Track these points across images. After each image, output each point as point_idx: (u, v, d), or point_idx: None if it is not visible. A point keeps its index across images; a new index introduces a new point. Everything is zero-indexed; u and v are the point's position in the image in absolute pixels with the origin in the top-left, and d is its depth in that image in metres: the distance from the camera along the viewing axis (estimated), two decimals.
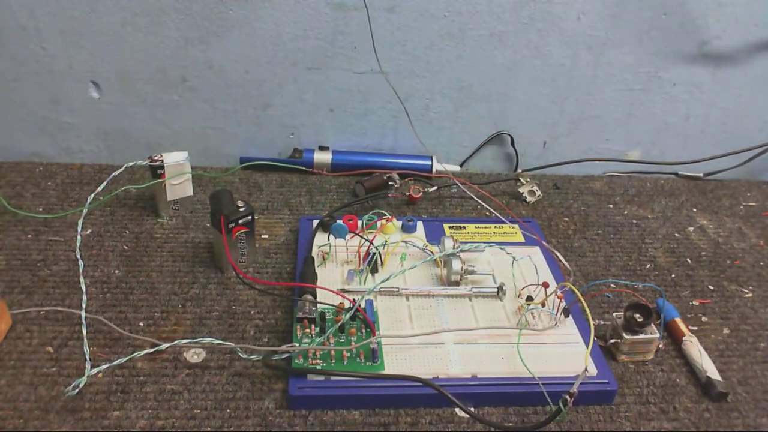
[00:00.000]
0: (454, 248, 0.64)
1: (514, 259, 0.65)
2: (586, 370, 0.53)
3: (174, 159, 0.72)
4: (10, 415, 0.51)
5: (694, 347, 0.60)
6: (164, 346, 0.56)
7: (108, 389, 0.54)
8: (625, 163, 0.93)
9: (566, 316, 0.61)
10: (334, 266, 0.66)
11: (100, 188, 0.73)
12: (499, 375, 0.55)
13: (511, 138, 0.90)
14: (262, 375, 0.56)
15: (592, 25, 0.82)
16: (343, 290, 0.62)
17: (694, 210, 0.85)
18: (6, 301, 0.60)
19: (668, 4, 0.82)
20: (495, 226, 0.75)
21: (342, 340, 0.57)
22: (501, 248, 0.66)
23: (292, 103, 0.85)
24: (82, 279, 0.63)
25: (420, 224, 0.73)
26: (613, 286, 0.69)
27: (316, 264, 0.66)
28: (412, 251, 0.68)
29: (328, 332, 0.56)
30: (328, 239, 0.68)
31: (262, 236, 0.74)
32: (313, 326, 0.57)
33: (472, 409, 0.54)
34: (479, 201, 0.81)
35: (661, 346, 0.61)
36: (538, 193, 0.84)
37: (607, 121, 0.90)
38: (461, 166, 0.91)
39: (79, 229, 0.67)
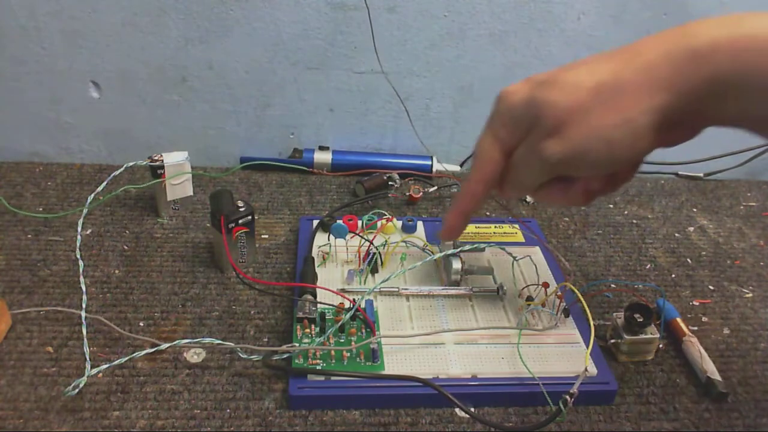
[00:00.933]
0: (454, 248, 0.64)
1: (514, 259, 0.65)
2: (586, 370, 0.53)
3: (174, 159, 0.72)
4: (10, 415, 0.51)
5: (694, 347, 0.60)
6: (164, 346, 0.56)
7: (108, 389, 0.54)
8: None
9: (566, 316, 0.61)
10: (334, 266, 0.66)
11: (100, 188, 0.73)
12: (499, 375, 0.55)
13: None
14: (262, 375, 0.56)
15: (592, 25, 0.82)
16: (343, 290, 0.62)
17: (694, 210, 0.85)
18: (6, 301, 0.59)
19: (668, 4, 0.82)
20: (495, 226, 0.75)
21: (342, 340, 0.57)
22: (501, 248, 0.66)
23: (292, 103, 0.85)
24: (82, 279, 0.63)
25: (420, 224, 0.73)
26: (613, 286, 0.69)
27: (316, 264, 0.66)
28: (412, 251, 0.68)
29: (328, 332, 0.56)
30: (328, 239, 0.68)
31: (262, 236, 0.74)
32: (313, 326, 0.57)
33: (472, 409, 0.54)
34: None
35: (661, 346, 0.61)
36: None
37: None
38: (461, 166, 0.91)
39: (79, 229, 0.67)
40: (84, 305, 0.60)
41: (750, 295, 0.70)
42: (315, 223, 0.72)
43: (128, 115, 0.84)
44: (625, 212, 0.83)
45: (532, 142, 0.44)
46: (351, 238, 0.67)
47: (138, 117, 0.84)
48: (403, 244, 0.68)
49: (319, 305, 0.59)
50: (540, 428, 0.52)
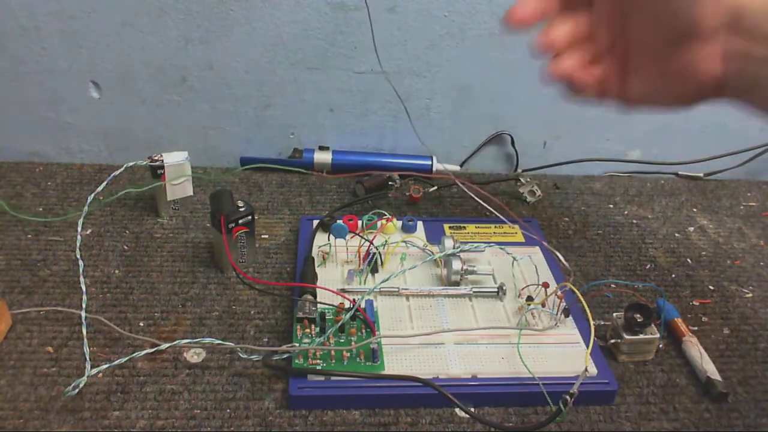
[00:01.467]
0: (454, 248, 0.65)
1: (514, 259, 0.65)
2: (586, 370, 0.53)
3: (174, 159, 0.72)
4: (10, 415, 0.51)
5: (694, 347, 0.60)
6: (164, 346, 0.56)
7: (108, 389, 0.54)
8: (625, 163, 0.93)
9: (566, 316, 0.61)
10: (334, 266, 0.66)
11: (100, 188, 0.72)
12: (499, 375, 0.55)
13: (511, 138, 0.90)
14: (262, 375, 0.56)
15: None
16: (343, 290, 0.62)
17: (694, 210, 0.85)
18: (6, 301, 0.59)
19: None
20: (495, 226, 0.75)
21: (342, 340, 0.57)
22: (501, 248, 0.66)
23: (292, 103, 0.85)
24: (82, 279, 0.62)
25: (420, 224, 0.73)
26: (613, 286, 0.69)
27: (316, 264, 0.66)
28: (412, 251, 0.68)
29: (328, 332, 0.56)
30: (328, 239, 0.68)
31: (262, 236, 0.74)
32: (313, 326, 0.57)
33: (472, 409, 0.54)
34: (479, 201, 0.81)
35: (661, 346, 0.61)
36: (538, 193, 0.84)
37: (607, 121, 0.90)
38: (461, 166, 0.91)
39: (79, 229, 0.67)
40: (84, 305, 0.60)
41: (750, 295, 0.70)
42: (315, 223, 0.72)
43: (128, 115, 0.84)
44: (625, 212, 0.83)
45: None
46: (351, 238, 0.67)
47: (138, 117, 0.84)
48: (403, 244, 0.68)
49: (319, 305, 0.59)
50: (540, 428, 0.52)
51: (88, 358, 0.55)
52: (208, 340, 0.57)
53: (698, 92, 0.45)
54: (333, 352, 0.56)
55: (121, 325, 0.60)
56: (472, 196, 0.81)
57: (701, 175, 0.93)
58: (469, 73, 0.85)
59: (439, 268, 0.66)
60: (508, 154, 0.92)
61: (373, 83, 0.84)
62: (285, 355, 0.56)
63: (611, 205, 0.85)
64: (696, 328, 0.64)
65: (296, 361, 0.55)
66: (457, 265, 0.63)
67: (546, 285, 0.62)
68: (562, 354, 0.58)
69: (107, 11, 0.77)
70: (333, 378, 0.54)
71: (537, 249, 0.71)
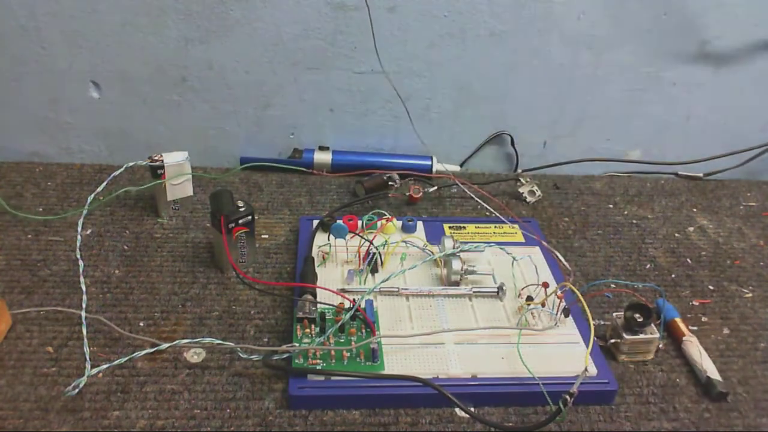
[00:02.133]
0: (454, 248, 0.65)
1: (514, 259, 0.65)
2: (586, 370, 0.53)
3: (174, 159, 0.72)
4: (11, 415, 0.51)
5: (694, 347, 0.60)
6: (164, 346, 0.56)
7: (108, 389, 0.54)
8: (625, 163, 0.93)
9: (566, 316, 0.61)
10: (334, 266, 0.66)
11: (100, 188, 0.72)
12: (499, 375, 0.55)
13: (511, 138, 0.90)
14: (262, 375, 0.56)
15: (592, 24, 0.82)
16: (343, 290, 0.62)
17: (694, 210, 0.85)
18: (6, 301, 0.59)
19: (668, 4, 0.82)
20: (495, 226, 0.75)
21: (342, 340, 0.57)
22: (501, 248, 0.66)
23: (292, 103, 0.85)
24: (82, 279, 0.63)
25: (420, 224, 0.73)
26: (613, 286, 0.69)
27: (316, 264, 0.66)
28: (412, 251, 0.68)
29: (328, 332, 0.56)
30: (328, 239, 0.68)
31: (262, 236, 0.74)
32: (313, 326, 0.57)
33: (472, 409, 0.54)
34: (479, 201, 0.81)
35: (661, 346, 0.61)
36: (538, 193, 0.84)
37: (607, 121, 0.90)
38: (461, 166, 0.91)
39: (80, 229, 0.67)
40: (84, 305, 0.60)
41: (750, 295, 0.70)
42: (315, 223, 0.72)
43: (128, 115, 0.84)
44: (625, 212, 0.83)
45: None
46: (351, 238, 0.67)
47: (138, 117, 0.85)
48: (403, 244, 0.68)
49: (319, 305, 0.59)
50: (540, 428, 0.52)
51: (88, 358, 0.55)
52: (208, 340, 0.57)
53: None
54: (333, 352, 0.56)
55: (121, 325, 0.60)
56: (472, 196, 0.81)
57: (701, 175, 0.93)
58: (469, 73, 0.85)
59: (439, 268, 0.66)
60: (508, 154, 0.92)
61: (373, 83, 0.84)
62: (285, 355, 0.56)
63: (611, 205, 0.85)
64: (696, 328, 0.64)
65: (296, 361, 0.55)
66: (457, 265, 0.63)
67: (546, 285, 0.62)
68: (562, 354, 0.58)
69: (107, 11, 0.77)
70: (333, 378, 0.54)
71: (537, 249, 0.71)
